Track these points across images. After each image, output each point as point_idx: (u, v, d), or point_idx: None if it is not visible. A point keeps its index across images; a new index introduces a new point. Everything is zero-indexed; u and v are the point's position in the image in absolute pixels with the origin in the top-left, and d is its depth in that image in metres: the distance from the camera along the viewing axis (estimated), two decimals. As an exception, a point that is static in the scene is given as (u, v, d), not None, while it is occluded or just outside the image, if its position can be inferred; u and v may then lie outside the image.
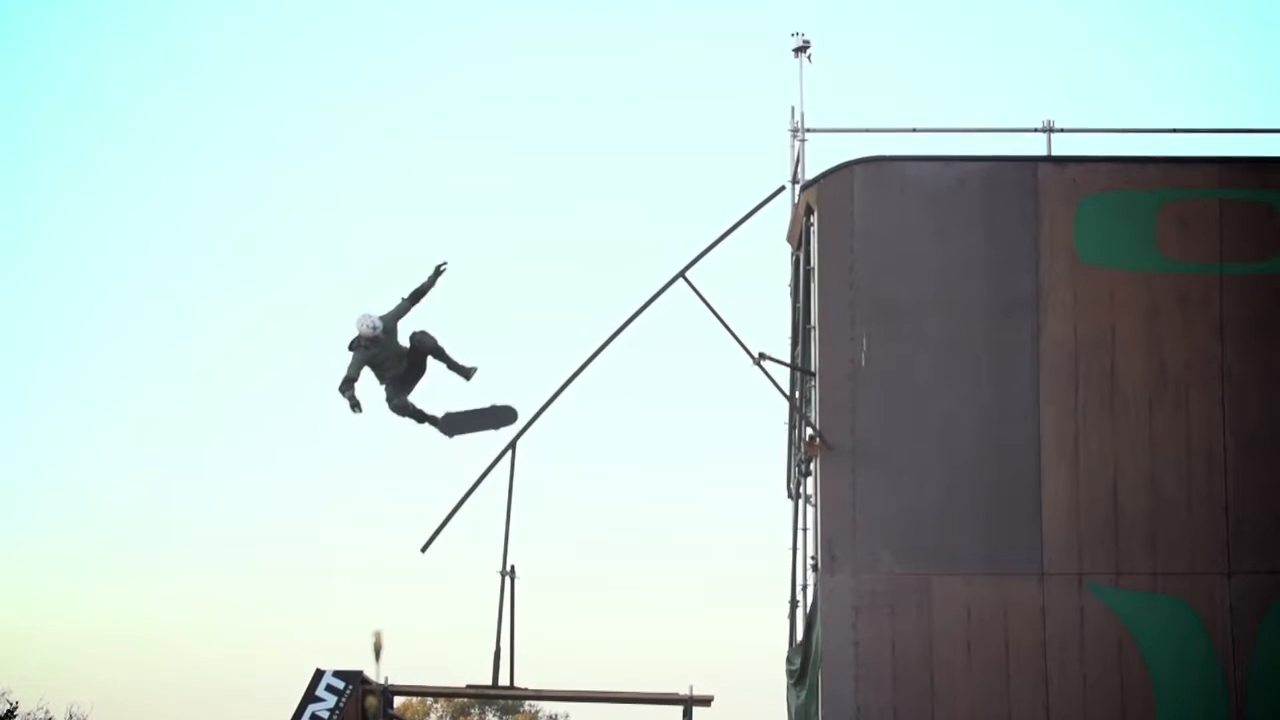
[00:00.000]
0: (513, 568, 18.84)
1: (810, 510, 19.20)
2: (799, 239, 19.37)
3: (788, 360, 19.55)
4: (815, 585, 18.45)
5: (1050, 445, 18.01)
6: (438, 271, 18.39)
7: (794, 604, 20.21)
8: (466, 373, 18.67)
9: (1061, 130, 18.69)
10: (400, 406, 18.50)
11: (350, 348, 18.31)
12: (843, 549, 17.96)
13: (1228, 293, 18.18)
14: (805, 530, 19.74)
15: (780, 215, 19.58)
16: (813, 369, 18.62)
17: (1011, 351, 18.16)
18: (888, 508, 17.96)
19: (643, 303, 18.65)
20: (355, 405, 18.23)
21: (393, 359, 18.43)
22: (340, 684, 18.24)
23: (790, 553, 20.30)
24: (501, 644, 18.68)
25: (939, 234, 18.35)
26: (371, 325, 18.19)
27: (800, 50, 19.37)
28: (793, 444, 20.26)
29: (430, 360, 18.55)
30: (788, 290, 20.29)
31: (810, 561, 19.05)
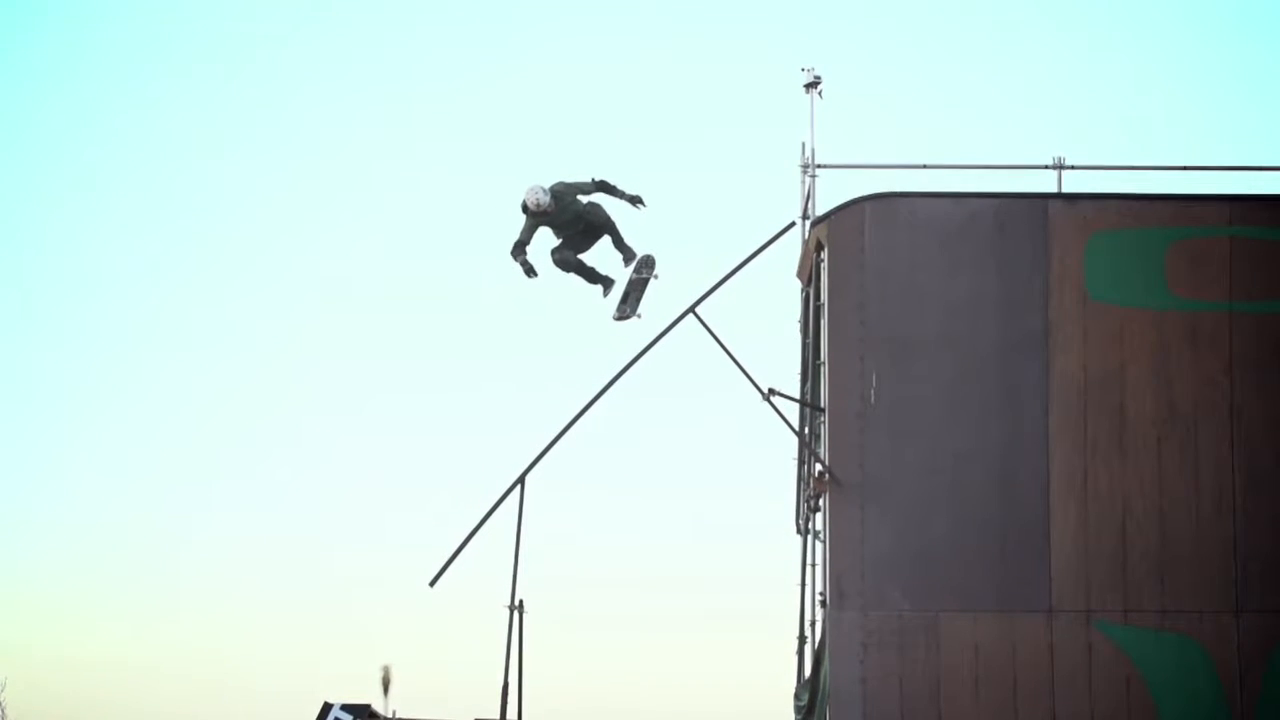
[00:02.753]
0: (521, 602, 18.84)
1: (819, 546, 19.19)
2: (809, 275, 19.38)
3: (797, 396, 19.55)
4: (824, 621, 18.43)
5: (1059, 482, 17.99)
6: (636, 201, 18.19)
7: (802, 640, 20.18)
8: (629, 255, 18.50)
9: (1072, 167, 18.70)
10: (564, 261, 18.20)
11: (523, 210, 17.96)
12: (851, 585, 17.94)
13: (1238, 331, 18.16)
14: (814, 566, 19.71)
15: (790, 251, 19.61)
16: (822, 405, 18.61)
17: (1021, 388, 18.15)
18: (896, 544, 17.94)
19: (653, 338, 18.70)
20: (529, 270, 17.95)
21: (569, 223, 18.12)
22: (348, 717, 18.25)
23: (799, 589, 20.29)
24: (509, 678, 18.68)
25: (949, 271, 18.35)
26: (537, 201, 17.81)
27: (811, 86, 19.37)
28: (802, 480, 20.25)
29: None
30: (797, 326, 20.31)
31: (819, 597, 19.03)
